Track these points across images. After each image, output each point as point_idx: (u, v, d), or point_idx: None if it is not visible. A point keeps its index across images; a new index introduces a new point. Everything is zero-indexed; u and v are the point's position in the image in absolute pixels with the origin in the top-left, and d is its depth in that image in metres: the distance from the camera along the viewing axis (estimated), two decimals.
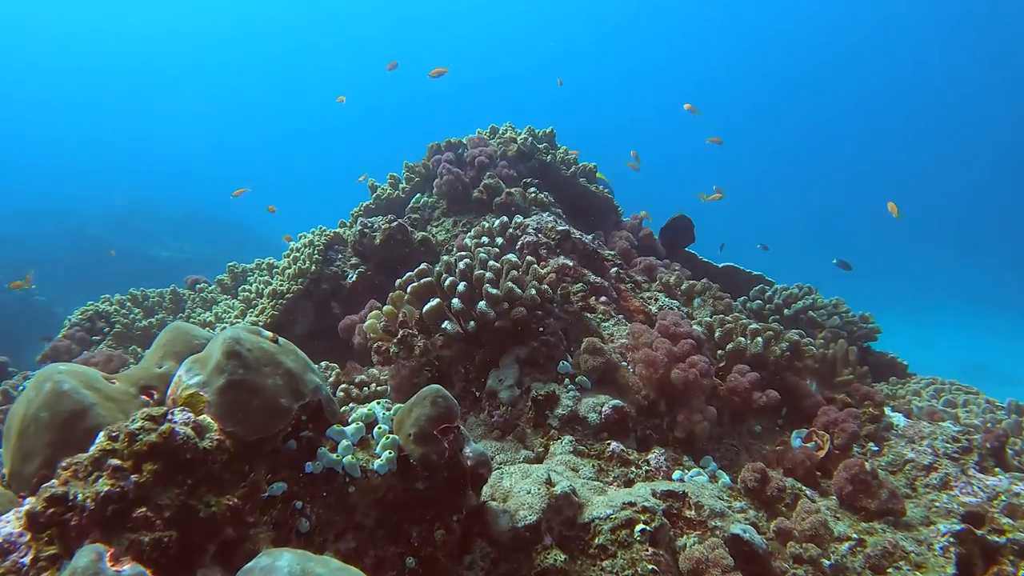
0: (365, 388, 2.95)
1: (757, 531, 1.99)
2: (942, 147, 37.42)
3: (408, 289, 2.72)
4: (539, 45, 45.51)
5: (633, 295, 3.54)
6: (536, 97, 41.37)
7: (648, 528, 1.76)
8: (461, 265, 2.67)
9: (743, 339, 3.05)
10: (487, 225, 3.59)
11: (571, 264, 3.35)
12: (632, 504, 1.82)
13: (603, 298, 3.26)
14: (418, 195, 4.89)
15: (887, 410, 3.07)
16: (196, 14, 42.16)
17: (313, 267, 4.04)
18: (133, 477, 1.19)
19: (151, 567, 1.11)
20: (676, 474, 2.33)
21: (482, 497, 1.77)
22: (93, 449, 1.23)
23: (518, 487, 1.84)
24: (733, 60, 41.86)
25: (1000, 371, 17.13)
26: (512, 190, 4.25)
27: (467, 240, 3.26)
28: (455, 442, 1.61)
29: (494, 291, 2.57)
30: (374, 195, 5.17)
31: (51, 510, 1.17)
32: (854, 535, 2.14)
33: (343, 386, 2.97)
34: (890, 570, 2.03)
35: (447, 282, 2.66)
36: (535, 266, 2.87)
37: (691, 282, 3.91)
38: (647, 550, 1.72)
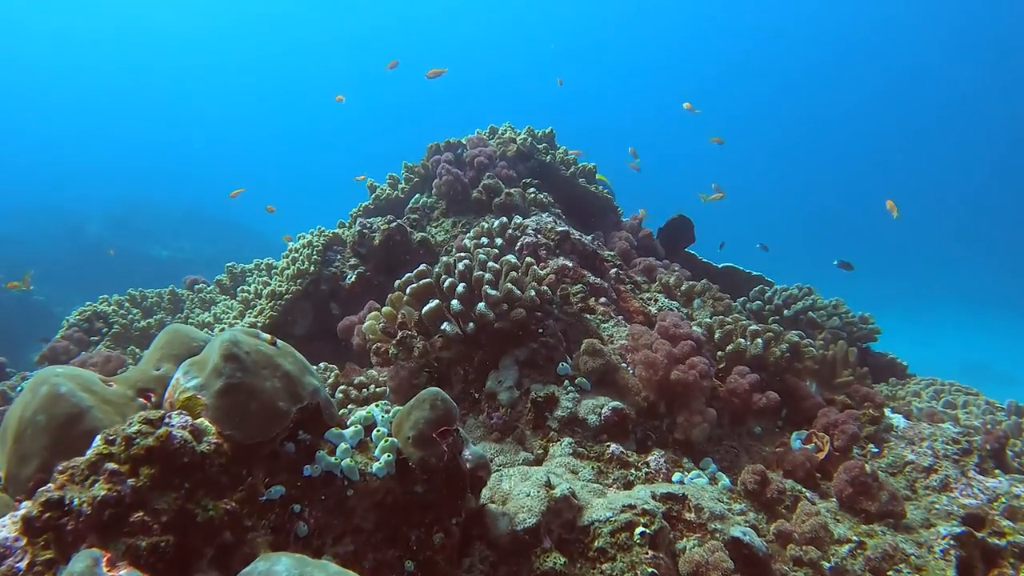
0: (364, 389, 2.94)
1: (757, 534, 1.98)
2: (942, 147, 37.46)
3: (407, 290, 2.72)
4: (539, 45, 45.52)
5: (633, 296, 3.53)
6: (536, 97, 41.37)
7: (648, 531, 1.75)
8: (460, 266, 2.66)
9: (743, 340, 3.04)
10: (486, 226, 3.58)
11: (571, 265, 3.35)
12: (632, 507, 1.82)
13: (603, 299, 3.25)
14: (417, 195, 4.88)
15: (887, 411, 3.06)
16: (196, 13, 42.15)
17: (312, 268, 4.03)
18: (130, 481, 1.18)
19: (148, 572, 1.10)
20: (676, 476, 2.32)
21: (481, 500, 1.76)
22: (90, 453, 1.23)
23: (517, 489, 1.83)
24: (733, 60, 41.88)
25: (1000, 371, 17.14)
26: (511, 190, 4.24)
27: (466, 241, 3.25)
28: (454, 445, 1.60)
29: (493, 292, 2.57)
30: (373, 195, 5.17)
31: (47, 514, 1.16)
32: (854, 537, 2.14)
33: (342, 387, 2.97)
34: (890, 573, 2.02)
35: (446, 283, 2.65)
36: (534, 267, 2.86)
37: (691, 283, 3.91)
38: (647, 553, 1.71)
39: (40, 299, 11.17)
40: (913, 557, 2.06)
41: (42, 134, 33.68)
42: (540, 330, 2.73)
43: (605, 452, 2.32)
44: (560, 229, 3.62)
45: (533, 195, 4.37)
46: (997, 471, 2.65)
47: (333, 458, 1.48)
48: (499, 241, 3.30)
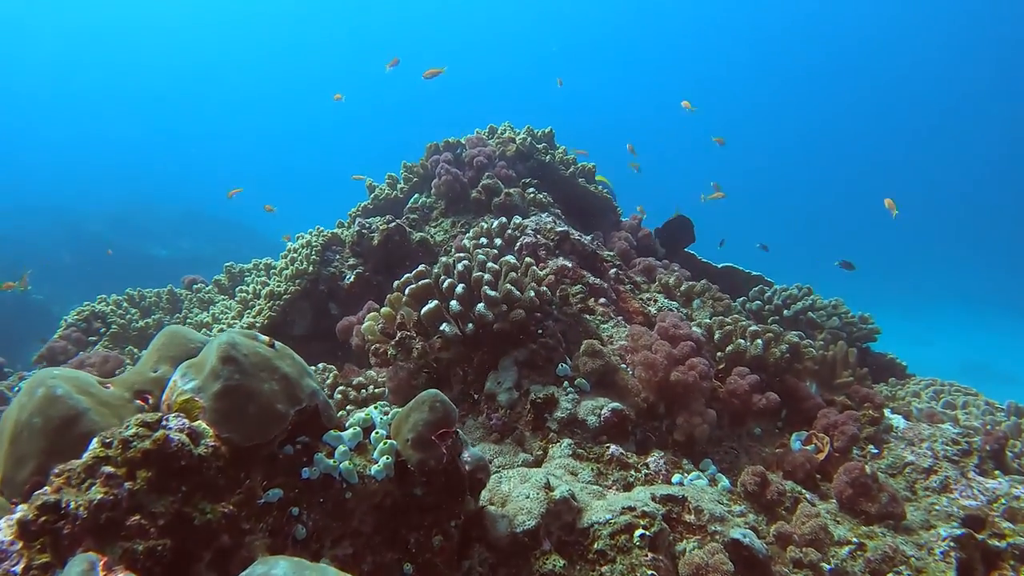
0: (363, 390, 2.94)
1: (757, 535, 1.98)
2: (941, 146, 37.48)
3: (406, 291, 2.71)
4: (539, 45, 45.52)
5: (632, 296, 3.52)
6: (536, 97, 41.40)
7: (648, 533, 1.75)
8: (459, 267, 2.66)
9: (743, 341, 3.04)
10: (485, 226, 3.57)
11: (570, 265, 3.34)
12: (631, 509, 1.81)
13: (602, 299, 3.25)
14: (416, 195, 4.87)
15: (887, 412, 3.06)
16: (196, 12, 42.10)
17: (311, 268, 4.02)
18: (127, 484, 1.18)
19: None
20: (675, 477, 2.31)
21: (480, 502, 1.76)
22: (86, 456, 1.22)
23: (517, 492, 1.83)
24: (734, 60, 41.89)
25: (999, 370, 17.14)
26: (511, 190, 4.23)
27: (465, 241, 3.25)
28: (453, 447, 1.60)
29: (492, 293, 2.56)
30: (372, 195, 5.16)
31: (43, 518, 1.15)
32: (854, 539, 2.13)
33: (340, 388, 2.96)
34: (890, 575, 2.02)
35: (445, 284, 2.65)
36: (534, 268, 2.86)
37: (690, 283, 3.90)
38: (647, 555, 1.70)
39: (39, 298, 11.15)
40: (913, 559, 2.06)
41: (42, 133, 33.65)
42: (539, 331, 2.73)
43: (605, 453, 2.32)
44: (559, 229, 3.61)
45: (532, 195, 4.36)
46: (997, 472, 2.65)
47: (331, 460, 1.48)
48: (498, 241, 3.29)
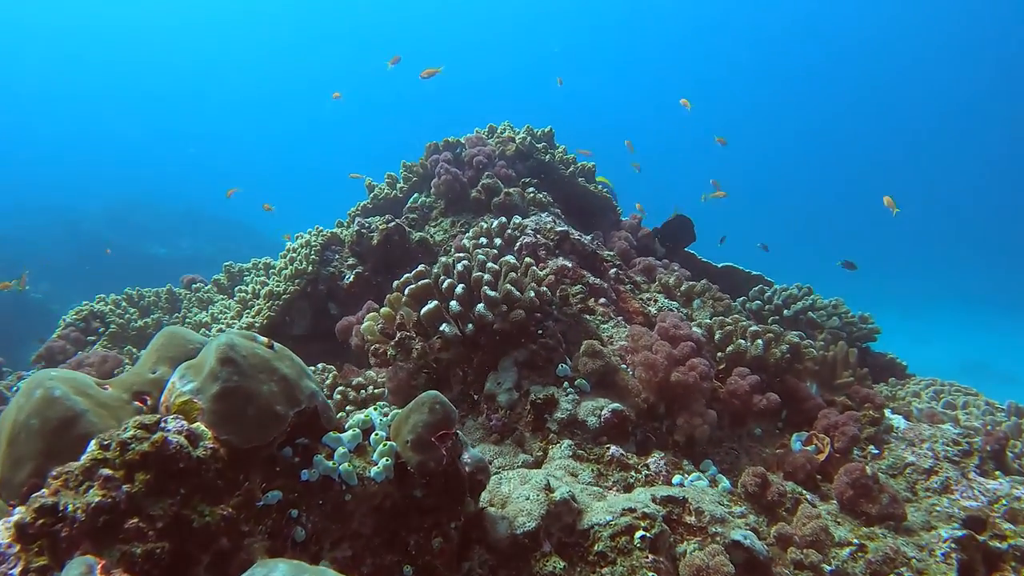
0: (362, 391, 2.93)
1: (758, 537, 1.97)
2: (941, 146, 37.50)
3: (406, 291, 2.70)
4: (539, 44, 45.44)
5: (632, 296, 3.52)
6: (536, 96, 41.36)
7: (648, 535, 1.74)
8: (459, 267, 2.65)
9: (743, 341, 3.03)
10: (485, 226, 3.56)
11: (570, 265, 3.33)
12: (632, 510, 1.80)
13: (602, 300, 3.24)
14: (416, 195, 4.86)
15: (887, 412, 3.05)
16: (194, 11, 42.04)
17: (310, 268, 4.01)
18: (125, 487, 1.17)
19: None
20: (676, 478, 2.31)
21: (480, 503, 1.75)
22: (84, 458, 1.21)
23: (517, 493, 1.82)
24: (734, 59, 41.88)
25: (999, 370, 17.15)
26: (511, 190, 4.22)
27: (465, 241, 3.24)
28: (453, 449, 1.59)
29: (492, 293, 2.55)
30: (371, 195, 5.15)
31: (41, 521, 1.14)
32: (855, 540, 2.13)
33: (340, 389, 2.95)
34: None
35: (445, 284, 2.64)
36: (534, 268, 2.85)
37: (690, 283, 3.89)
38: (647, 557, 1.70)
39: (38, 297, 11.13)
40: (914, 560, 2.05)
41: (41, 132, 33.59)
42: (539, 331, 2.72)
43: (605, 454, 2.31)
44: (559, 229, 3.61)
45: (532, 195, 4.36)
46: (997, 473, 2.64)
47: (331, 462, 1.47)
48: (498, 241, 3.29)
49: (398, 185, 5.08)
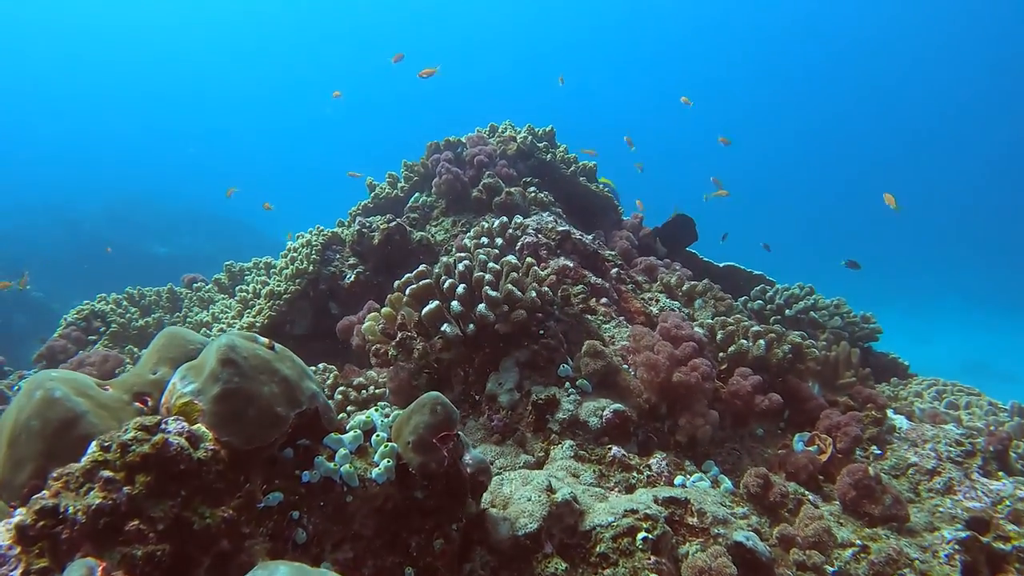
0: (363, 391, 2.92)
1: (760, 538, 1.96)
2: (942, 145, 37.47)
3: (407, 291, 2.69)
4: (540, 43, 45.39)
5: (634, 296, 3.51)
6: (537, 96, 41.33)
7: (650, 536, 1.73)
8: (460, 267, 2.64)
9: (745, 341, 3.02)
10: (486, 225, 3.56)
11: (571, 265, 3.33)
12: (634, 511, 1.80)
13: (604, 299, 3.23)
14: (417, 194, 4.85)
15: (889, 413, 3.05)
16: (194, 9, 42.03)
17: (311, 267, 4.01)
18: (125, 489, 1.16)
19: None
20: (678, 479, 2.30)
21: (482, 504, 1.75)
22: (85, 460, 1.21)
23: (518, 494, 1.82)
24: (737, 58, 41.85)
25: (1000, 369, 17.13)
26: (512, 189, 4.21)
27: (466, 241, 3.23)
28: (454, 450, 1.58)
29: (494, 293, 2.54)
30: (372, 194, 5.14)
31: (41, 523, 1.14)
32: (858, 541, 2.12)
33: (341, 389, 2.95)
34: None
35: (446, 284, 2.63)
36: (535, 268, 2.84)
37: (692, 283, 3.89)
38: (649, 558, 1.69)
39: (39, 296, 11.14)
40: (918, 562, 2.04)
41: (40, 131, 33.59)
42: (541, 331, 2.71)
43: (607, 455, 2.30)
44: (561, 229, 3.60)
45: (533, 194, 4.35)
46: (1001, 473, 2.64)
47: (332, 464, 1.46)
48: (499, 241, 3.28)
49: (399, 184, 5.08)
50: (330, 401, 1.89)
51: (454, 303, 2.58)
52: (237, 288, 4.72)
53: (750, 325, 3.14)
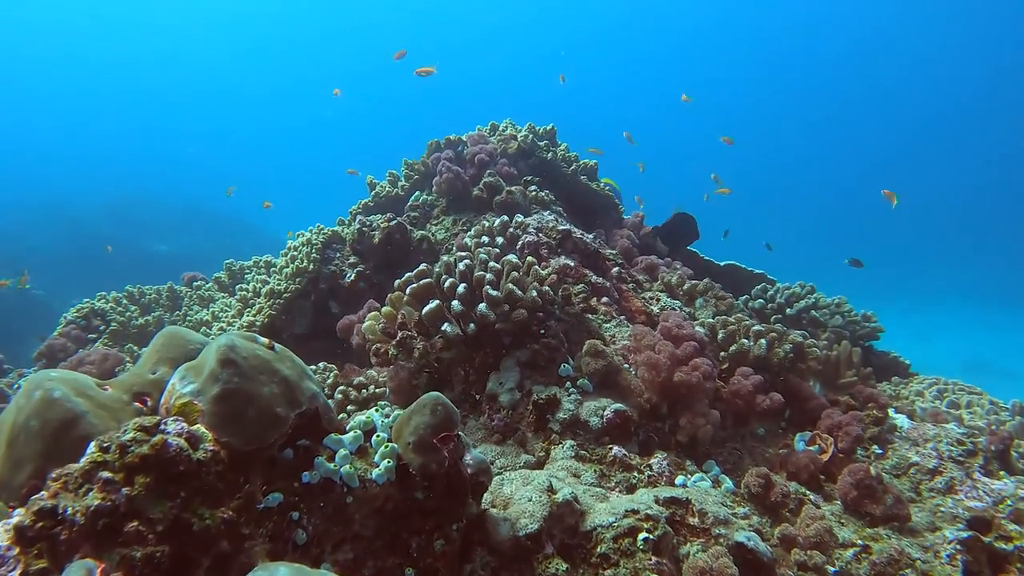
0: (363, 390, 2.92)
1: (761, 538, 1.96)
2: (943, 142, 37.44)
3: (407, 290, 2.69)
4: (541, 42, 45.31)
5: (635, 295, 3.50)
6: (538, 95, 41.24)
7: (651, 537, 1.73)
8: (461, 266, 2.63)
9: (746, 341, 3.02)
10: (487, 224, 3.55)
11: (572, 264, 3.32)
12: (635, 512, 1.79)
13: (604, 299, 3.22)
14: (417, 193, 4.84)
15: (891, 412, 3.04)
16: (194, 7, 41.98)
17: (311, 266, 4.00)
18: (124, 490, 1.16)
19: None
20: (679, 479, 2.30)
21: (483, 505, 1.74)
22: (84, 461, 1.20)
23: (519, 494, 1.81)
24: (739, 57, 41.78)
25: (1001, 367, 17.13)
26: (512, 188, 4.20)
27: (467, 240, 3.22)
28: (455, 450, 1.58)
29: (494, 293, 2.54)
30: (373, 193, 5.13)
31: (40, 524, 1.13)
32: (859, 541, 2.12)
33: (341, 388, 2.94)
34: None
35: (447, 283, 2.63)
36: (536, 267, 2.83)
37: (693, 282, 3.88)
38: (650, 559, 1.69)
39: (39, 293, 11.14)
40: (919, 562, 2.04)
41: (40, 129, 33.56)
42: (542, 331, 2.71)
43: (607, 455, 2.30)
44: (562, 228, 3.59)
45: (534, 193, 4.34)
46: (1002, 473, 2.63)
47: (332, 464, 1.46)
48: (500, 240, 3.27)
49: (400, 183, 5.07)
50: (330, 401, 1.88)
51: (455, 302, 2.57)
52: (237, 287, 4.71)
53: (751, 324, 3.14)
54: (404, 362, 2.75)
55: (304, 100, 44.01)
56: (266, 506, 1.34)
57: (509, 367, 2.59)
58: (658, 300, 3.61)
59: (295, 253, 4.10)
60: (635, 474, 2.26)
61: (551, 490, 1.83)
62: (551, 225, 3.60)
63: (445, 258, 2.80)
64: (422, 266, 2.75)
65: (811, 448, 2.70)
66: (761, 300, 4.41)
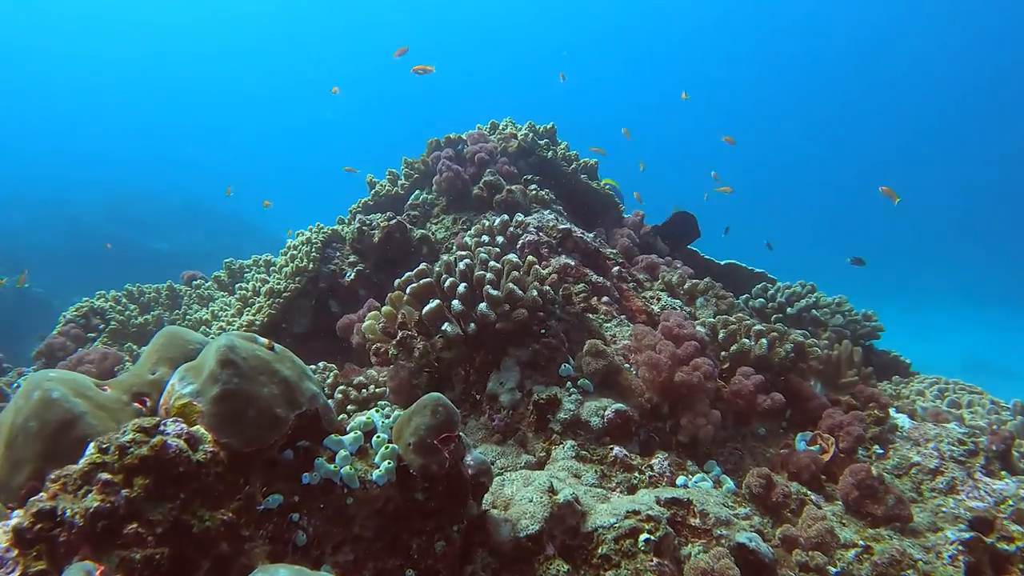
0: (363, 390, 2.91)
1: (762, 539, 1.95)
2: (943, 141, 37.43)
3: (407, 290, 2.68)
4: (542, 41, 45.27)
5: (635, 295, 3.50)
6: (538, 93, 41.22)
7: (652, 537, 1.72)
8: (461, 265, 2.63)
9: (747, 340, 3.01)
10: (487, 223, 3.54)
11: (573, 264, 3.31)
12: (636, 512, 1.79)
13: (605, 298, 3.22)
14: (417, 192, 4.83)
15: (892, 412, 3.03)
16: (194, 6, 41.93)
17: (311, 265, 3.99)
18: (124, 492, 1.15)
19: None
20: (680, 480, 2.29)
21: (483, 506, 1.73)
22: (83, 462, 1.19)
23: (520, 495, 1.81)
24: (740, 55, 41.75)
25: (1001, 366, 17.13)
26: (513, 187, 4.19)
27: (467, 239, 3.22)
28: (456, 451, 1.57)
29: (495, 292, 2.53)
30: (373, 191, 5.12)
31: (39, 525, 1.13)
32: (861, 542, 2.11)
33: (341, 388, 2.93)
34: None
35: (447, 283, 2.62)
36: (536, 266, 2.83)
37: (694, 281, 3.87)
38: (651, 560, 1.68)
39: (39, 291, 11.12)
40: (921, 562, 2.03)
41: (41, 127, 33.51)
42: (542, 330, 2.70)
43: (608, 455, 2.29)
44: (562, 227, 3.58)
45: (534, 192, 4.33)
46: (1003, 473, 2.62)
47: (332, 465, 1.45)
48: (500, 239, 3.27)
49: (399, 182, 5.06)
50: (330, 401, 1.88)
51: (455, 302, 2.56)
52: (237, 286, 4.70)
53: (752, 324, 3.13)
54: (404, 362, 2.75)
55: (304, 99, 44.01)
56: (266, 507, 1.34)
57: (509, 367, 2.59)
58: (659, 299, 3.60)
59: (295, 252, 4.09)
60: (636, 474, 2.25)
61: (552, 491, 1.83)
62: (551, 224, 3.59)
63: (445, 257, 2.80)
64: (422, 265, 2.75)
65: (812, 448, 2.69)
66: (762, 299, 4.40)
